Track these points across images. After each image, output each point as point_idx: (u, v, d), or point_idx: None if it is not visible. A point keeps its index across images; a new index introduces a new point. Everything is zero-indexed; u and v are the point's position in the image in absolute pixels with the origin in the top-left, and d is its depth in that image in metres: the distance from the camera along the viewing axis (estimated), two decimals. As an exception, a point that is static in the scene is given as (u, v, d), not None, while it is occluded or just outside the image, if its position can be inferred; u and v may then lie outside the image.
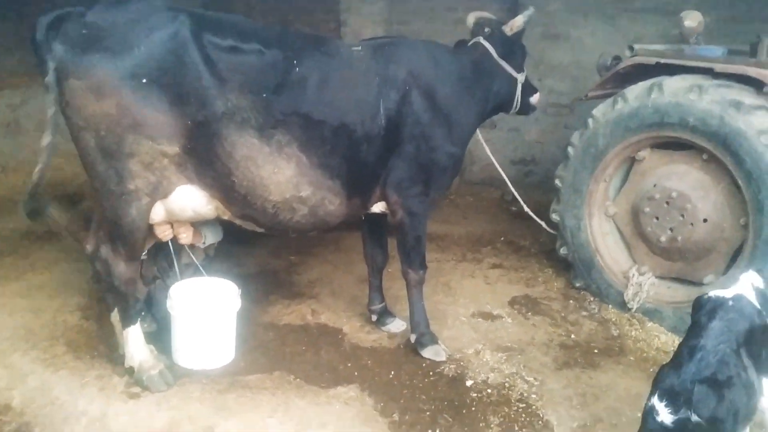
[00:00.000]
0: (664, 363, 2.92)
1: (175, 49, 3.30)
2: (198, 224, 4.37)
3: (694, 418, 2.47)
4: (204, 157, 3.48)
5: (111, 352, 4.15)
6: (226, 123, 3.41)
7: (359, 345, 4.51)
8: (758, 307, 3.00)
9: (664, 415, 2.48)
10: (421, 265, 4.31)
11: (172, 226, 4.09)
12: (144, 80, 3.27)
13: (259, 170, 3.53)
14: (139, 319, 3.94)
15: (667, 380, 2.63)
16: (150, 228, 3.84)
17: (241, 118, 3.43)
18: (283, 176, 3.59)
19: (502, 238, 6.49)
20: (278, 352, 4.38)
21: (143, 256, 4.25)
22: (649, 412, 2.57)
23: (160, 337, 4.25)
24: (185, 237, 4.20)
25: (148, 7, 3.39)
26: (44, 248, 5.73)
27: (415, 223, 4.17)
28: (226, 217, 3.84)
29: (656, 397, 2.58)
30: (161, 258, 4.41)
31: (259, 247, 5.99)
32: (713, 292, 3.08)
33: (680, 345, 2.98)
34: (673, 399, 2.52)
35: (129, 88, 3.26)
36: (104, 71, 3.22)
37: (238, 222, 3.88)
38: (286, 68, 3.57)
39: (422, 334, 4.37)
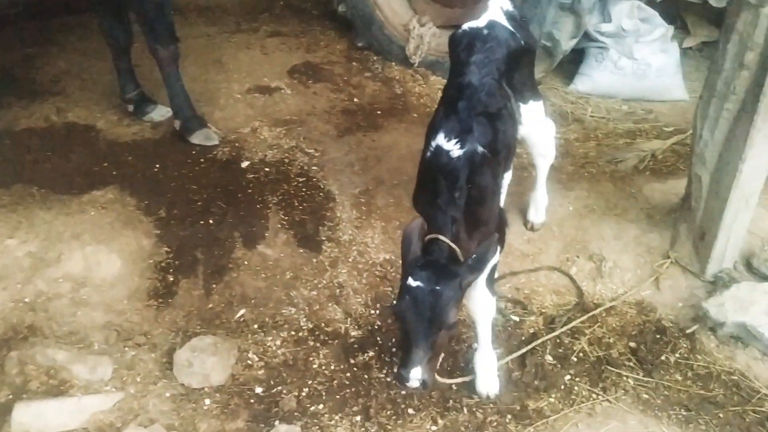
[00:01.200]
0: (438, 105, 2.74)
1: None
2: None
3: (479, 149, 2.41)
4: None
5: None
6: None
7: (117, 141, 3.94)
8: (511, 29, 2.83)
9: (455, 150, 2.38)
10: (171, 38, 3.67)
11: None
12: None
13: None
14: None
15: (448, 119, 2.49)
16: None
17: None
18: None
19: (281, 2, 5.82)
20: (16, 162, 3.72)
21: None
22: (436, 153, 2.43)
23: None
24: None
25: None
26: None
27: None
28: None
29: (442, 136, 2.42)
30: None
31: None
32: (466, 25, 2.85)
33: (446, 86, 2.79)
34: (458, 134, 2.42)
35: None
36: None
37: None
38: None
39: (187, 118, 3.87)
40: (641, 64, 4.59)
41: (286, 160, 3.83)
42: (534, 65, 3.10)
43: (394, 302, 2.23)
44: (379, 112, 4.33)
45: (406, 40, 4.71)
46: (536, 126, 3.07)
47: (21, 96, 4.32)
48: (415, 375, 2.16)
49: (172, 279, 3.15)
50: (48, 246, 3.15)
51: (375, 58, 4.90)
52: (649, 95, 4.65)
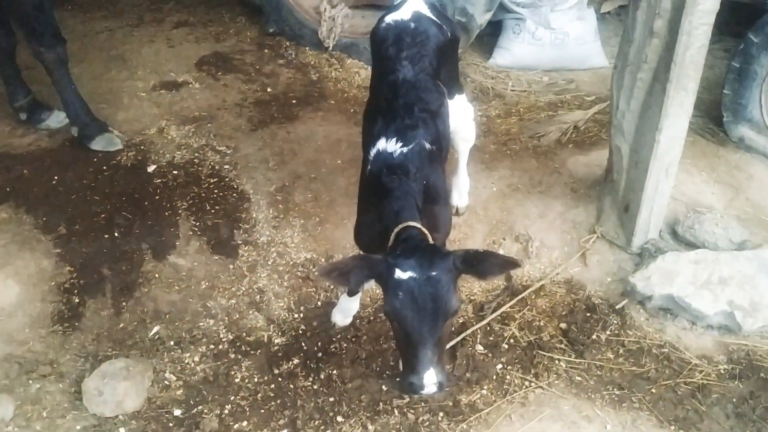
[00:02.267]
0: (367, 109, 2.59)
1: None
2: None
3: (427, 145, 2.28)
4: None
5: None
6: None
7: (10, 153, 3.65)
8: (437, 21, 2.68)
9: (398, 149, 2.23)
10: (56, 39, 3.38)
11: None
12: None
13: None
14: None
15: (387, 122, 2.31)
16: None
17: None
18: None
19: (187, -10, 5.53)
20: None
21: None
22: (380, 158, 2.26)
23: None
24: None
25: None
26: None
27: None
28: None
29: (383, 141, 2.26)
30: None
31: None
32: (390, 18, 2.68)
33: (375, 84, 2.63)
34: (401, 134, 2.26)
35: None
36: None
37: None
38: None
39: (85, 124, 3.60)
40: (559, 33, 4.51)
41: (196, 161, 3.61)
42: (458, 56, 2.96)
43: (384, 305, 1.94)
44: (294, 102, 4.14)
45: (318, 24, 4.51)
46: (459, 114, 2.95)
47: None
48: (430, 379, 1.89)
49: (77, 300, 2.93)
50: (-67, 277, 2.88)
51: (287, 44, 4.70)
52: (568, 64, 4.60)
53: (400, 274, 1.89)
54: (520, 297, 2.98)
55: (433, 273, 1.88)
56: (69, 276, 3.01)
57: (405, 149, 2.22)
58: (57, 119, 3.80)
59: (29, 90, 3.77)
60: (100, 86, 4.11)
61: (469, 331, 2.82)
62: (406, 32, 2.59)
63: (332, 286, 3.05)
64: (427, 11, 2.72)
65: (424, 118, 2.34)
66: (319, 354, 2.76)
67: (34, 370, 2.68)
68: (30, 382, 2.64)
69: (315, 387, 2.63)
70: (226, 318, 2.92)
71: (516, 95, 4.34)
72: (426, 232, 2.10)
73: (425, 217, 2.17)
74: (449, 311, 1.91)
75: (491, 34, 4.70)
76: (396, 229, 2.09)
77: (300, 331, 2.86)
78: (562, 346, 2.80)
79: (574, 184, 3.49)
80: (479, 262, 1.95)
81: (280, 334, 2.85)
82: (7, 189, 3.38)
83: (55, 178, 3.47)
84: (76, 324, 2.86)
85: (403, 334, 1.94)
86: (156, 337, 2.83)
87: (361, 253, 2.38)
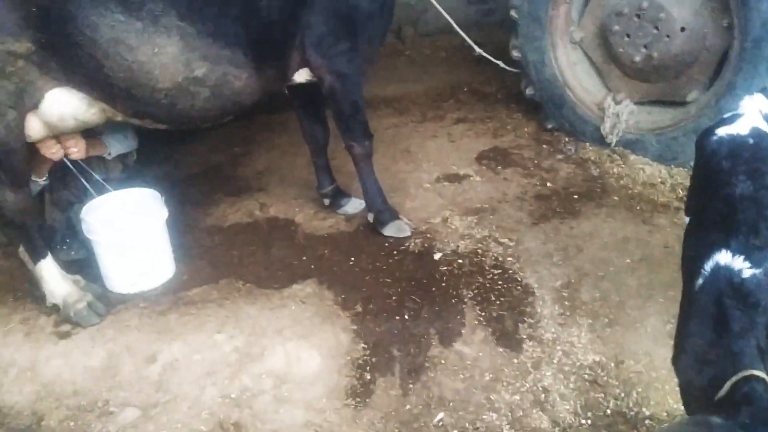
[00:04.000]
0: (692, 223, 2.39)
1: None
2: (104, 133, 3.78)
3: None
4: (66, 50, 2.83)
5: (36, 291, 3.67)
6: (77, 0, 2.72)
7: (314, 234, 4.05)
8: None
9: (746, 270, 1.93)
10: (365, 135, 3.74)
11: (59, 141, 3.46)
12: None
13: (134, 54, 2.87)
14: (56, 253, 3.47)
15: (725, 234, 2.07)
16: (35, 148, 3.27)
17: (95, -11, 2.74)
18: (167, 55, 2.93)
19: (465, 89, 5.85)
20: (224, 257, 3.91)
21: (43, 181, 3.68)
22: (717, 276, 1.98)
23: (90, 263, 3.76)
24: (76, 151, 3.57)
25: None
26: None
27: (349, 87, 3.55)
28: (119, 119, 3.23)
29: (724, 253, 2.00)
30: (72, 179, 3.81)
31: (200, 143, 5.38)
32: (722, 131, 2.45)
33: (701, 196, 2.42)
34: (746, 251, 1.98)
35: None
36: None
37: (135, 122, 3.29)
38: None
39: (380, 211, 3.89)
40: None
41: (480, 251, 3.69)
42: None
43: None
44: (575, 197, 4.08)
45: (600, 119, 4.46)
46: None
47: (229, 193, 4.64)
48: None
49: (369, 377, 3.08)
50: (253, 341, 3.23)
51: (566, 139, 4.70)
52: None
53: None
54: None
55: None
56: (362, 352, 3.18)
57: (756, 271, 1.93)
58: (354, 206, 4.17)
59: (334, 179, 4.21)
60: (389, 177, 4.42)
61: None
62: (743, 147, 2.36)
63: (623, 394, 2.86)
64: (764, 125, 2.49)
65: None
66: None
67: (329, 440, 2.86)
68: (329, 452, 2.80)
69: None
70: (510, 414, 2.85)
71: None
72: None
73: None
74: None
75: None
76: (733, 379, 1.75)
77: (588, 439, 2.69)
78: None
79: None
80: None
81: (566, 439, 2.71)
82: (311, 266, 3.74)
83: (352, 259, 3.76)
84: (367, 400, 3.00)
85: None
86: (440, 424, 2.85)
87: (692, 406, 2.02)
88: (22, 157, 3.08)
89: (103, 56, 2.84)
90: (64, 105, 3.02)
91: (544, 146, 4.71)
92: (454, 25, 4.77)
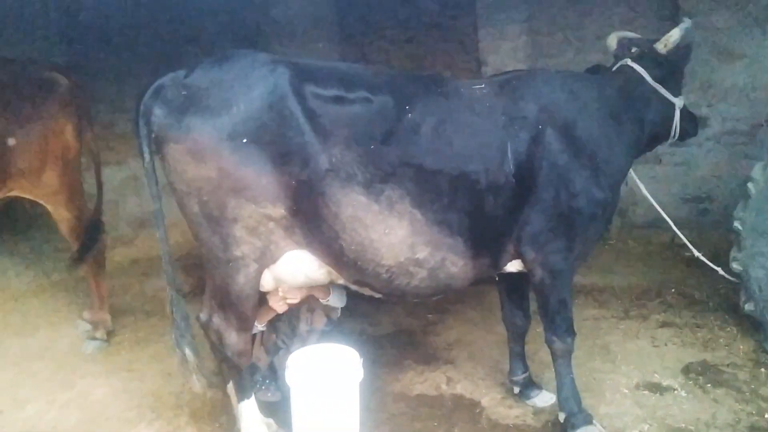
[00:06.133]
0: None
1: (274, 103, 3.06)
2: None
3: None
4: (311, 220, 3.19)
5: (232, 425, 3.92)
6: (330, 181, 3.10)
7: (499, 422, 3.93)
8: None
9: None
10: (568, 332, 3.68)
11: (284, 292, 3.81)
12: (244, 140, 3.05)
13: (368, 231, 3.16)
14: (254, 392, 3.70)
15: None
16: (263, 299, 3.62)
17: (345, 173, 3.10)
18: (396, 237, 3.19)
19: (673, 290, 5.60)
20: (408, 427, 3.91)
21: (262, 327, 4.03)
22: None
23: (284, 407, 3.96)
24: (295, 301, 3.90)
25: (250, 63, 3.20)
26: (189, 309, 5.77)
27: (559, 284, 3.57)
28: (340, 282, 3.51)
29: None
30: (282, 325, 4.15)
31: (395, 305, 5.61)
32: None
33: None
34: None
35: (228, 150, 3.05)
36: (202, 133, 3.05)
37: (353, 287, 3.54)
38: (397, 115, 3.21)
39: (573, 413, 3.70)
40: None
41: (684, 482, 3.33)
42: None
43: None
44: (799, 432, 3.60)
45: (835, 353, 3.99)
46: None
47: (418, 360, 4.72)
48: None
49: None
50: None
51: (785, 364, 4.24)
52: None
53: None
54: None
55: None
56: None
57: None
58: (544, 399, 4.03)
59: (527, 367, 4.12)
60: (584, 374, 4.24)
61: None
62: None
63: None
64: None
65: None
66: None
67: None
68: None
69: None
70: None
71: None
72: None
73: None
74: None
75: None
76: None
77: None
78: None
79: None
80: None
81: None
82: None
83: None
84: None
85: None
86: None
87: None
88: (253, 305, 3.42)
89: (341, 229, 3.16)
90: (298, 265, 3.35)
91: (763, 370, 4.27)
92: (670, 223, 4.62)
